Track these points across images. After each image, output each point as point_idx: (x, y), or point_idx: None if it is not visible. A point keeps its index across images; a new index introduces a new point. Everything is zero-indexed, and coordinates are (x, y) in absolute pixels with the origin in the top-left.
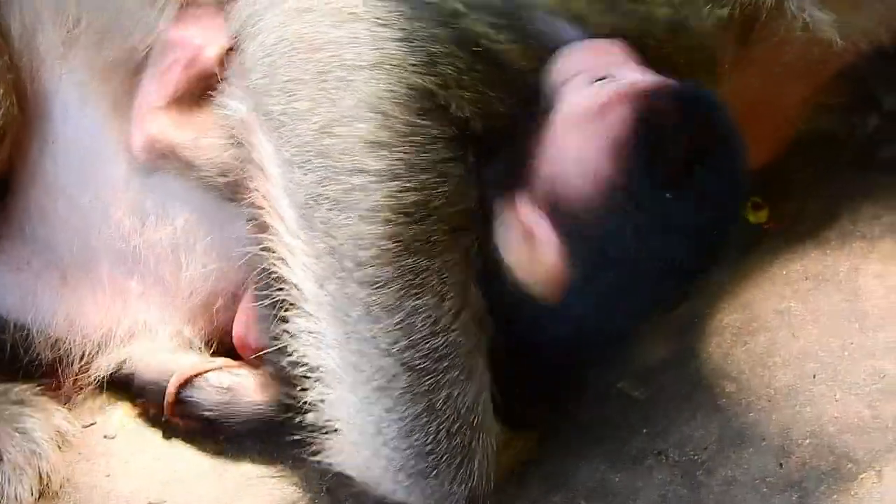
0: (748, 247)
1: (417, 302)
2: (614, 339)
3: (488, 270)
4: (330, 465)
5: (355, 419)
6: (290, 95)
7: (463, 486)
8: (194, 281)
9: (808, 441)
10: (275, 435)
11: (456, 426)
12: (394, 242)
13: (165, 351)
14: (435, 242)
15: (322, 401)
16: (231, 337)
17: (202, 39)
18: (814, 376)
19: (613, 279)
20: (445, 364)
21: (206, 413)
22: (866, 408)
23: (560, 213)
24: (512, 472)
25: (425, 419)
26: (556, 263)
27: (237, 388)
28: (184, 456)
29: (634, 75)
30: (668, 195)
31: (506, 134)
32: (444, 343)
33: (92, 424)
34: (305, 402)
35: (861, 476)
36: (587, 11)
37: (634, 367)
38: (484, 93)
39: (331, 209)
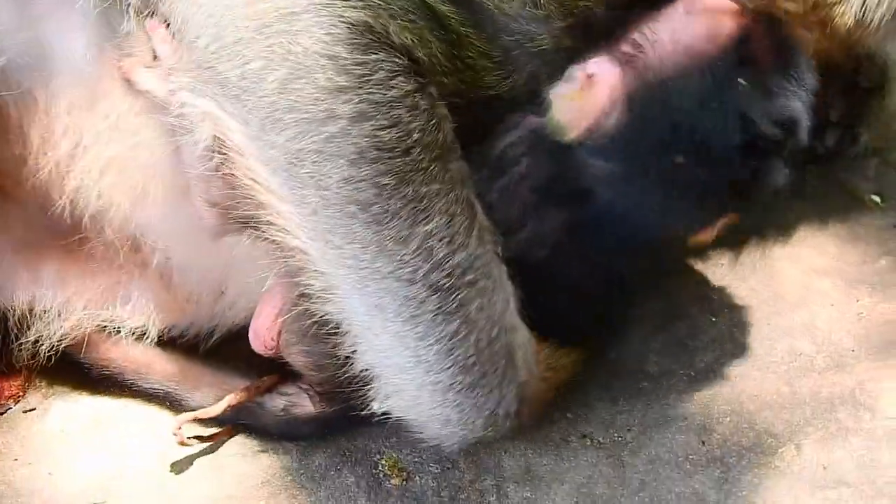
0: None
1: (429, 226)
2: (639, 225)
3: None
4: (382, 416)
5: (392, 358)
6: (241, 58)
7: (511, 385)
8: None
9: (728, 419)
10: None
11: (494, 331)
12: (390, 177)
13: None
14: (427, 169)
15: (355, 352)
16: None
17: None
18: (733, 357)
19: (645, 136)
20: (470, 276)
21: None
22: (784, 385)
23: (634, 65)
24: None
25: (464, 333)
26: (601, 100)
27: (292, 407)
28: (128, 452)
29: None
30: (741, 84)
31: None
32: (464, 257)
33: (31, 410)
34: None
35: (781, 450)
36: None
37: (560, 357)
38: (413, 20)
39: (315, 161)
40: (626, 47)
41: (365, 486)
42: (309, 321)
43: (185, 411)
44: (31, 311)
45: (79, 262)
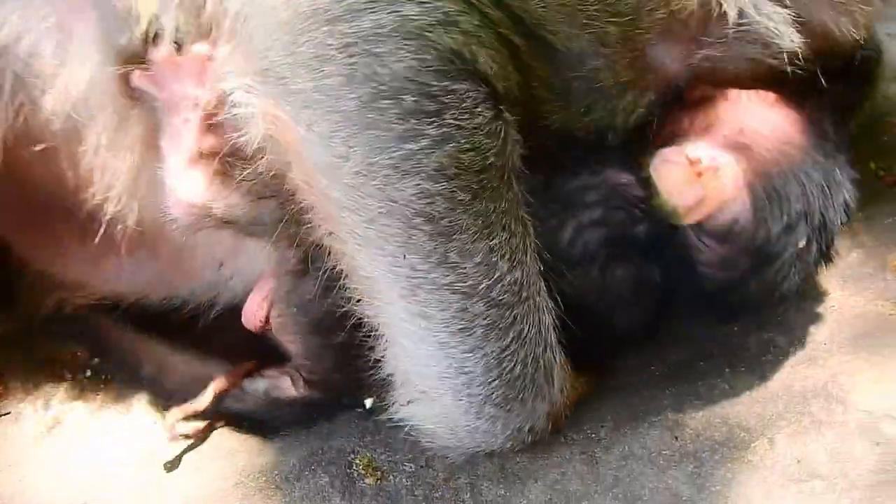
0: None
1: (493, 242)
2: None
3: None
4: (400, 421)
5: (428, 368)
6: (319, 72)
7: (545, 404)
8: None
9: (700, 413)
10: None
11: (540, 349)
12: (464, 193)
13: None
14: (496, 188)
15: (385, 356)
16: None
17: (193, 90)
18: (705, 352)
19: (773, 222)
20: (524, 293)
21: (250, 416)
22: (756, 379)
23: (748, 154)
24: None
25: (515, 348)
26: (728, 188)
27: (274, 390)
28: (103, 455)
29: None
30: (833, 168)
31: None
32: (521, 274)
33: (6, 414)
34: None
35: (754, 444)
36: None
37: None
38: (498, 49)
39: (388, 175)
40: (721, 136)
41: (339, 486)
42: (309, 313)
43: (167, 404)
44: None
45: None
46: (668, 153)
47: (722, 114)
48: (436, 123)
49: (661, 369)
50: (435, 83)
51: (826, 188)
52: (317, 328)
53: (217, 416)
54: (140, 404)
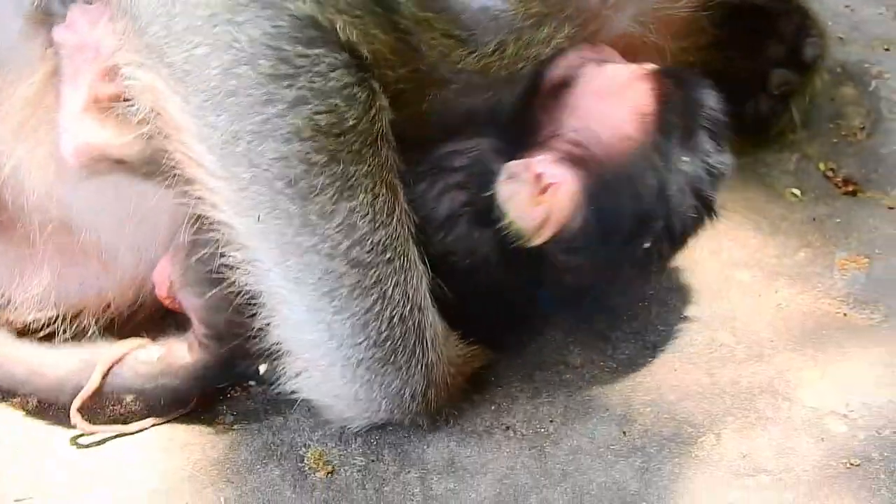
0: None
1: (353, 202)
2: (587, 290)
3: (475, 218)
4: (290, 393)
5: (305, 332)
6: (188, 44)
7: (419, 365)
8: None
9: (649, 409)
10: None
11: (407, 309)
12: (319, 154)
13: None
14: (358, 151)
15: (269, 324)
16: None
17: (95, 35)
18: (654, 348)
19: (616, 230)
20: (389, 254)
21: (141, 388)
22: (704, 375)
23: (584, 165)
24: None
25: (378, 308)
26: (567, 208)
27: (168, 356)
28: (50, 450)
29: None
30: (683, 156)
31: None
32: (385, 235)
33: None
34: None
35: (701, 439)
36: None
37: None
38: (359, 16)
39: (251, 141)
40: (563, 145)
41: (290, 480)
42: (201, 267)
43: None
44: None
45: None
46: (513, 168)
47: (567, 114)
48: (291, 87)
49: (610, 365)
50: (289, 48)
51: (670, 186)
52: (208, 290)
53: (113, 391)
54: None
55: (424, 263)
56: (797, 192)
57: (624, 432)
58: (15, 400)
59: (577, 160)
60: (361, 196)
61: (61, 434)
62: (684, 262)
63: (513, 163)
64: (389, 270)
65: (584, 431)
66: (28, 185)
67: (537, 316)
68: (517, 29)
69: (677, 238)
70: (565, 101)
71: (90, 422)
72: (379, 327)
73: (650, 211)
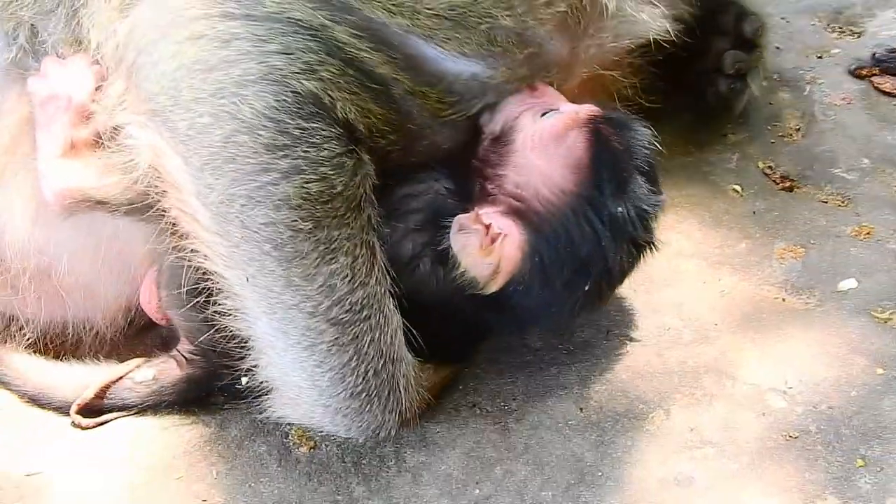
0: None
1: (333, 266)
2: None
3: (433, 266)
4: (278, 419)
5: (290, 377)
6: (193, 112)
7: (393, 412)
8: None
9: (603, 387)
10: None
11: (381, 363)
12: (305, 222)
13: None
14: (341, 216)
15: (257, 365)
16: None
17: (68, 85)
18: (607, 332)
19: (559, 276)
20: (366, 312)
21: (141, 404)
22: (654, 356)
23: (526, 218)
24: (434, 395)
25: (354, 364)
26: (515, 259)
27: (161, 374)
28: (52, 429)
29: (573, 106)
30: (616, 205)
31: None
32: (363, 294)
33: None
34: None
35: (651, 415)
36: (435, 28)
37: None
38: (357, 93)
39: (245, 204)
40: (506, 198)
41: (276, 455)
42: (185, 294)
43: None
44: None
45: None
46: (464, 220)
47: (509, 167)
48: (287, 157)
49: (568, 348)
50: (290, 121)
51: (604, 236)
52: (191, 309)
53: (114, 408)
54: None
55: (397, 308)
56: (738, 188)
57: (580, 409)
58: None
59: (520, 212)
60: (342, 259)
61: (60, 420)
62: None
63: (462, 216)
64: (366, 327)
65: (543, 409)
66: (7, 232)
67: (494, 333)
68: (502, 91)
69: (616, 278)
70: (506, 153)
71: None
72: (355, 381)
73: (587, 258)
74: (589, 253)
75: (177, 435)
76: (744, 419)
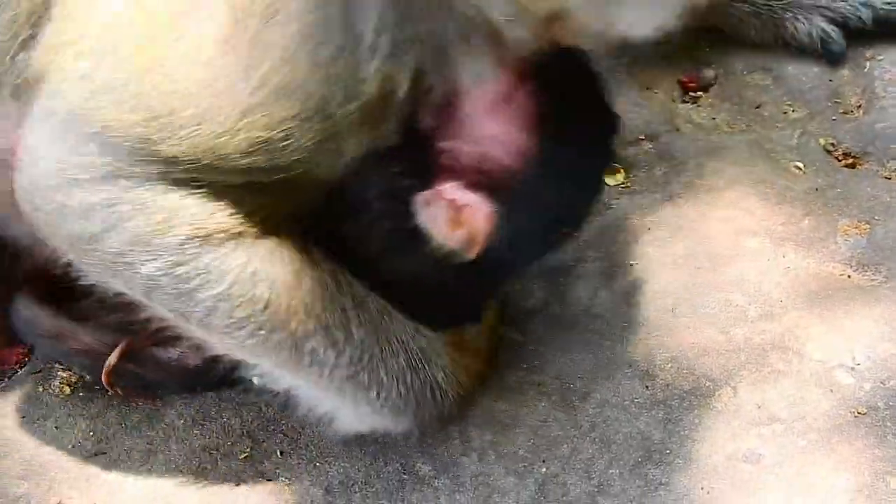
0: (607, 205)
1: (310, 345)
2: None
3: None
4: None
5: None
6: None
7: (431, 393)
8: None
9: (669, 365)
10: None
11: (409, 378)
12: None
13: None
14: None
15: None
16: None
17: None
18: (672, 310)
19: (527, 227)
20: (367, 356)
21: (150, 378)
22: (720, 333)
23: (489, 186)
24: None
25: (385, 392)
26: (486, 226)
27: (183, 358)
28: (115, 407)
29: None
30: (569, 153)
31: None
32: (353, 348)
33: (38, 372)
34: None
35: (718, 392)
36: None
37: (513, 314)
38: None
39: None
40: (464, 168)
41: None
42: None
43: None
44: None
45: None
46: (427, 197)
47: (459, 139)
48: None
49: (632, 325)
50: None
51: (561, 188)
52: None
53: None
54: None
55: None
56: (800, 165)
57: (647, 387)
58: (63, 375)
59: (481, 181)
60: (315, 338)
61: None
62: (697, 230)
63: (424, 194)
64: (375, 364)
65: (609, 386)
66: None
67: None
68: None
69: (584, 218)
70: (454, 122)
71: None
72: (395, 399)
73: (558, 206)
74: (557, 202)
75: (238, 415)
76: (811, 396)
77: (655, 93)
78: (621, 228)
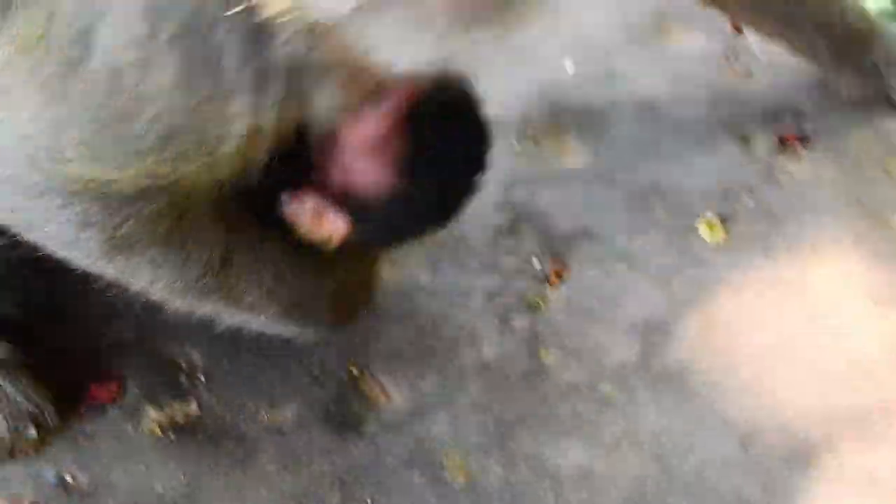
0: (705, 261)
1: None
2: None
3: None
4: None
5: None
6: None
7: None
8: None
9: (768, 425)
10: None
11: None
12: None
13: None
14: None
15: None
16: None
17: None
18: (771, 369)
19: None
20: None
21: None
22: (820, 395)
23: (351, 208)
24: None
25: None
26: (342, 234)
27: None
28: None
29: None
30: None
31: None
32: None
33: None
34: None
35: (819, 455)
36: None
37: (608, 370)
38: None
39: None
40: (331, 187)
41: (432, 485)
42: None
43: None
44: None
45: None
46: (289, 198)
47: (332, 163)
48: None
49: (731, 386)
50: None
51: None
52: None
53: None
54: None
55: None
56: None
57: (745, 447)
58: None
59: (344, 203)
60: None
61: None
62: (797, 290)
63: (288, 194)
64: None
65: (707, 446)
66: None
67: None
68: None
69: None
70: (330, 148)
71: None
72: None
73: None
74: (419, 221)
75: (329, 461)
76: None
77: (754, 145)
78: (719, 285)
